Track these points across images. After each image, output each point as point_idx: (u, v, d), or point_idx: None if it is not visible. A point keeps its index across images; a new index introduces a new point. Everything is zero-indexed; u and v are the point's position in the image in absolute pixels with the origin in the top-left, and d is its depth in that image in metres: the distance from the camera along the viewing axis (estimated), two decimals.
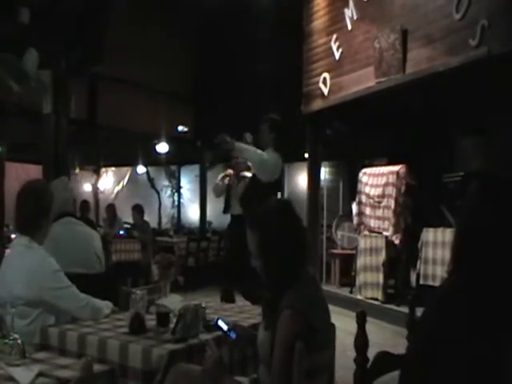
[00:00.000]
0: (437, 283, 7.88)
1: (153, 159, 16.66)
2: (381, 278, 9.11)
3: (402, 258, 9.08)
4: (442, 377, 1.83)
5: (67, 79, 8.14)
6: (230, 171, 7.27)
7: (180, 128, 14.95)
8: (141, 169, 18.75)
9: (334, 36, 10.28)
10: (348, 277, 10.51)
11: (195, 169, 17.05)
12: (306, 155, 11.69)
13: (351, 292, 10.06)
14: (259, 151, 6.35)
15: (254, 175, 6.55)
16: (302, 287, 2.66)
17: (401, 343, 2.48)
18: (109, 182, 20.02)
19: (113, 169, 19.97)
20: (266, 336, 2.70)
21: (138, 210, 12.10)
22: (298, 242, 2.78)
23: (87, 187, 18.53)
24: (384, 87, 8.85)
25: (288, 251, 2.72)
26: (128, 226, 12.95)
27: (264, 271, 2.77)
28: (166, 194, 19.29)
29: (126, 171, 19.87)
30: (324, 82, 10.56)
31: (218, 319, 3.09)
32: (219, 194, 7.48)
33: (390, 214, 9.07)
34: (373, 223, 9.60)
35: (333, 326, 2.92)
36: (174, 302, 3.58)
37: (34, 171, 12.02)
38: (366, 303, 9.13)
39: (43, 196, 3.78)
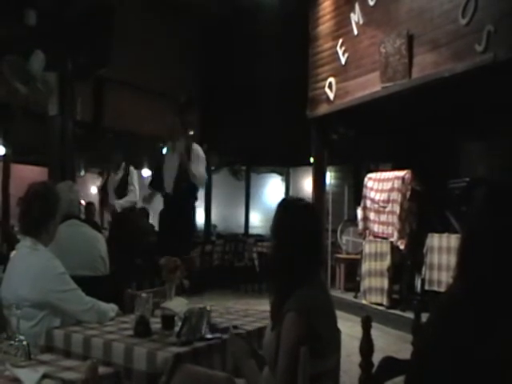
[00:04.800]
0: (442, 289, 7.87)
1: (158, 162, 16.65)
2: (385, 283, 9.10)
3: (406, 263, 9.07)
4: (447, 383, 1.83)
5: (73, 81, 8.16)
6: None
7: None
8: (146, 172, 18.74)
9: (340, 41, 10.29)
10: (353, 282, 10.50)
11: None
12: (312, 160, 11.69)
13: (356, 297, 10.05)
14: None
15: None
16: (309, 290, 2.66)
17: (405, 348, 2.47)
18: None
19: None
20: (271, 336, 2.70)
21: (143, 213, 12.10)
22: (315, 244, 2.79)
23: (92, 189, 18.53)
24: (390, 92, 8.85)
25: (304, 251, 2.72)
26: None
27: (276, 268, 2.78)
28: None
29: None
30: (330, 87, 10.57)
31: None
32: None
33: (394, 219, 9.06)
34: (377, 228, 9.59)
35: (338, 331, 2.92)
36: (179, 305, 3.58)
37: (39, 173, 12.03)
38: (370, 308, 9.12)
39: (49, 198, 3.77)
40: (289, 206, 2.90)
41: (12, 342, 2.89)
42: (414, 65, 8.37)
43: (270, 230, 2.85)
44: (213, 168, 16.31)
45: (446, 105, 9.17)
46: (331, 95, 10.54)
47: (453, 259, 7.59)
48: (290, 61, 12.22)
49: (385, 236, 9.37)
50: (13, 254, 3.89)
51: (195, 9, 13.54)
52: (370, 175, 10.07)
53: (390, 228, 9.20)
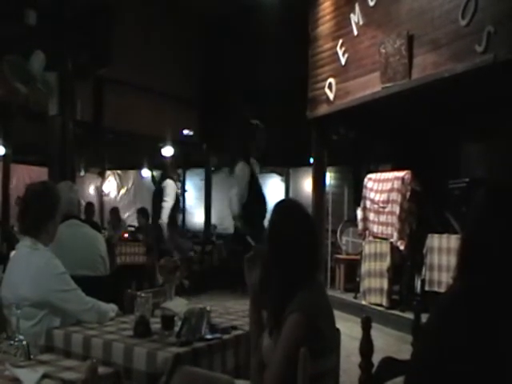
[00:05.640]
0: (442, 290, 7.86)
1: (158, 162, 16.68)
2: (385, 283, 9.09)
3: (406, 263, 9.06)
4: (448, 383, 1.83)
5: (73, 81, 8.17)
6: None
7: (185, 132, 14.96)
8: (146, 172, 18.76)
9: (340, 41, 10.28)
10: (352, 282, 10.50)
11: (200, 173, 17.06)
12: (312, 160, 11.69)
13: (355, 297, 10.04)
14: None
15: None
16: (310, 292, 2.66)
17: (405, 349, 2.48)
18: (113, 184, 20.02)
19: (118, 172, 19.98)
20: (271, 342, 2.70)
21: (143, 213, 12.12)
22: (313, 244, 2.80)
23: (92, 190, 18.57)
24: (390, 93, 8.84)
25: (302, 254, 2.73)
26: (132, 229, 12.98)
27: (275, 272, 2.77)
28: None
29: (131, 174, 19.88)
30: (330, 87, 10.56)
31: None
32: None
33: (394, 219, 9.05)
34: (377, 229, 9.59)
35: (338, 331, 2.92)
36: (178, 305, 3.58)
37: (39, 173, 12.04)
38: (370, 309, 9.12)
39: (48, 198, 3.77)
40: (284, 208, 2.90)
41: (12, 342, 2.89)
42: (414, 65, 8.36)
43: (266, 233, 2.84)
44: (212, 169, 16.34)
45: (445, 105, 9.17)
46: (331, 96, 10.53)
47: (453, 260, 7.59)
48: (290, 61, 12.21)
49: (384, 236, 9.36)
50: (13, 253, 3.89)
51: (195, 9, 13.55)
52: (369, 176, 10.06)
53: (390, 228, 9.20)
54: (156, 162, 16.21)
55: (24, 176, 14.55)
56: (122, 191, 19.96)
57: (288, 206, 2.97)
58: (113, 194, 19.60)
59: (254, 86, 13.38)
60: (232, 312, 4.14)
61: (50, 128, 8.11)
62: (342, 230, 11.74)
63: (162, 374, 2.87)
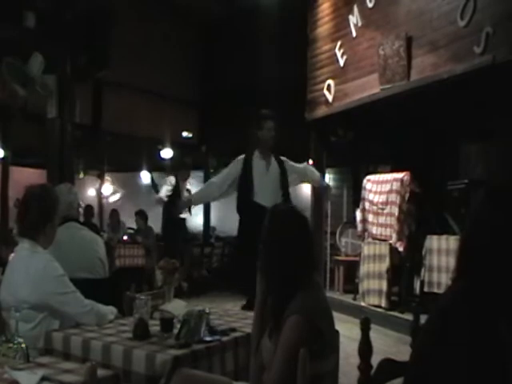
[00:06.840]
0: (441, 291, 7.86)
1: (157, 165, 16.68)
2: (384, 285, 9.09)
3: (405, 265, 9.06)
4: None
5: (72, 84, 8.17)
6: None
7: (184, 134, 14.95)
8: (145, 174, 18.72)
9: (339, 43, 10.28)
10: (352, 283, 10.49)
11: (199, 175, 17.02)
12: (310, 162, 11.67)
13: (355, 299, 10.03)
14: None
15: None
16: (309, 293, 2.67)
17: (404, 350, 2.47)
18: (110, 188, 19.96)
19: (117, 174, 19.93)
20: (271, 344, 2.70)
21: (141, 215, 12.12)
22: (310, 245, 2.81)
23: (91, 192, 18.53)
24: (388, 94, 8.85)
25: (302, 253, 2.73)
26: (131, 231, 12.96)
27: (273, 273, 2.78)
28: None
29: (130, 176, 19.82)
30: (328, 89, 10.56)
31: None
32: None
33: (393, 221, 9.05)
34: (376, 230, 9.58)
35: (337, 332, 2.92)
36: (177, 307, 3.58)
37: (38, 176, 12.03)
38: (369, 310, 9.11)
39: (47, 200, 3.77)
40: (280, 213, 2.91)
41: (11, 345, 2.88)
42: (412, 67, 8.36)
43: (262, 238, 2.85)
44: (212, 170, 16.31)
45: (444, 106, 9.16)
46: (330, 97, 10.54)
47: (452, 261, 7.59)
48: (289, 63, 12.21)
49: (383, 238, 9.35)
50: (12, 256, 3.89)
51: (194, 10, 13.55)
52: (368, 177, 10.05)
53: (389, 230, 9.19)
54: (156, 164, 16.23)
55: (23, 179, 14.51)
56: (119, 194, 19.89)
57: (283, 210, 3.00)
58: (110, 197, 19.54)
59: (253, 88, 13.36)
60: (231, 314, 4.14)
61: (49, 130, 8.11)
62: (341, 231, 11.73)
63: (161, 377, 2.86)
